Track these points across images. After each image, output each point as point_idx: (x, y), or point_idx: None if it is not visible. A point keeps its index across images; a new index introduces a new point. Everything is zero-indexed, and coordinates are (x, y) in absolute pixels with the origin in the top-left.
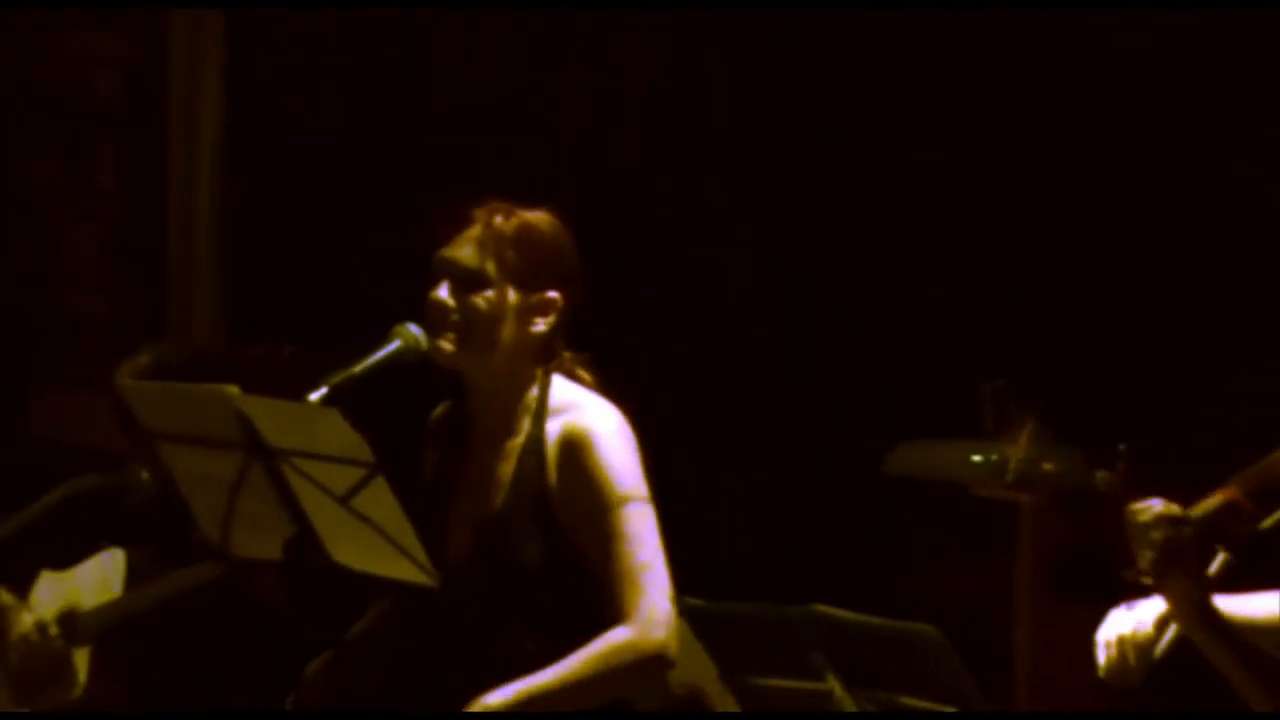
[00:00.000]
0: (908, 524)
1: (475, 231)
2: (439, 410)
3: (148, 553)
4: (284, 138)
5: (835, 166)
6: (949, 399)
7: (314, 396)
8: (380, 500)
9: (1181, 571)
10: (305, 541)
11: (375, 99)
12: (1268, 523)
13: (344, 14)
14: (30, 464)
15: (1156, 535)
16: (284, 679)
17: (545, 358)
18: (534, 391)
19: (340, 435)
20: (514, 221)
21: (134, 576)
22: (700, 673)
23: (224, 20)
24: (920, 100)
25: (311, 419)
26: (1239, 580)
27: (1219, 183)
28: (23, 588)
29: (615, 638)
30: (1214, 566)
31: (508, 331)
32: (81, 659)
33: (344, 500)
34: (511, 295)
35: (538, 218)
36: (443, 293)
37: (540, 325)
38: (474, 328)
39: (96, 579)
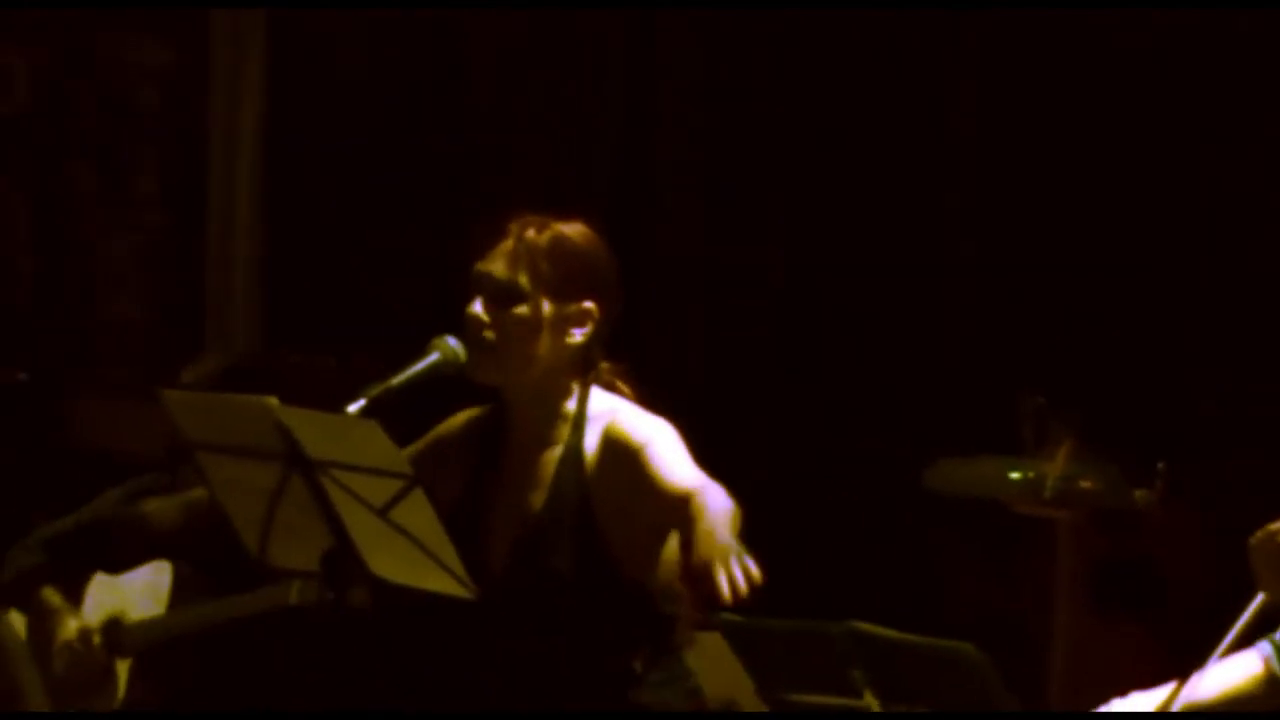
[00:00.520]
0: (946, 540)
1: (508, 245)
2: (466, 416)
3: (196, 565)
4: (324, 146)
5: (870, 173)
6: (988, 415)
7: (352, 408)
8: (418, 512)
9: None
10: (343, 553)
11: (414, 105)
12: None
13: (383, 21)
14: (68, 471)
15: None
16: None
17: (583, 368)
18: (572, 402)
19: (379, 447)
20: (547, 234)
21: (180, 590)
22: (737, 688)
23: (265, 28)
24: (953, 103)
25: (350, 430)
26: None
27: (1257, 189)
28: (77, 585)
29: None
30: None
31: (544, 344)
32: (123, 668)
33: (382, 512)
34: (546, 307)
35: (571, 229)
36: (478, 307)
37: (577, 336)
38: (510, 342)
39: (145, 590)
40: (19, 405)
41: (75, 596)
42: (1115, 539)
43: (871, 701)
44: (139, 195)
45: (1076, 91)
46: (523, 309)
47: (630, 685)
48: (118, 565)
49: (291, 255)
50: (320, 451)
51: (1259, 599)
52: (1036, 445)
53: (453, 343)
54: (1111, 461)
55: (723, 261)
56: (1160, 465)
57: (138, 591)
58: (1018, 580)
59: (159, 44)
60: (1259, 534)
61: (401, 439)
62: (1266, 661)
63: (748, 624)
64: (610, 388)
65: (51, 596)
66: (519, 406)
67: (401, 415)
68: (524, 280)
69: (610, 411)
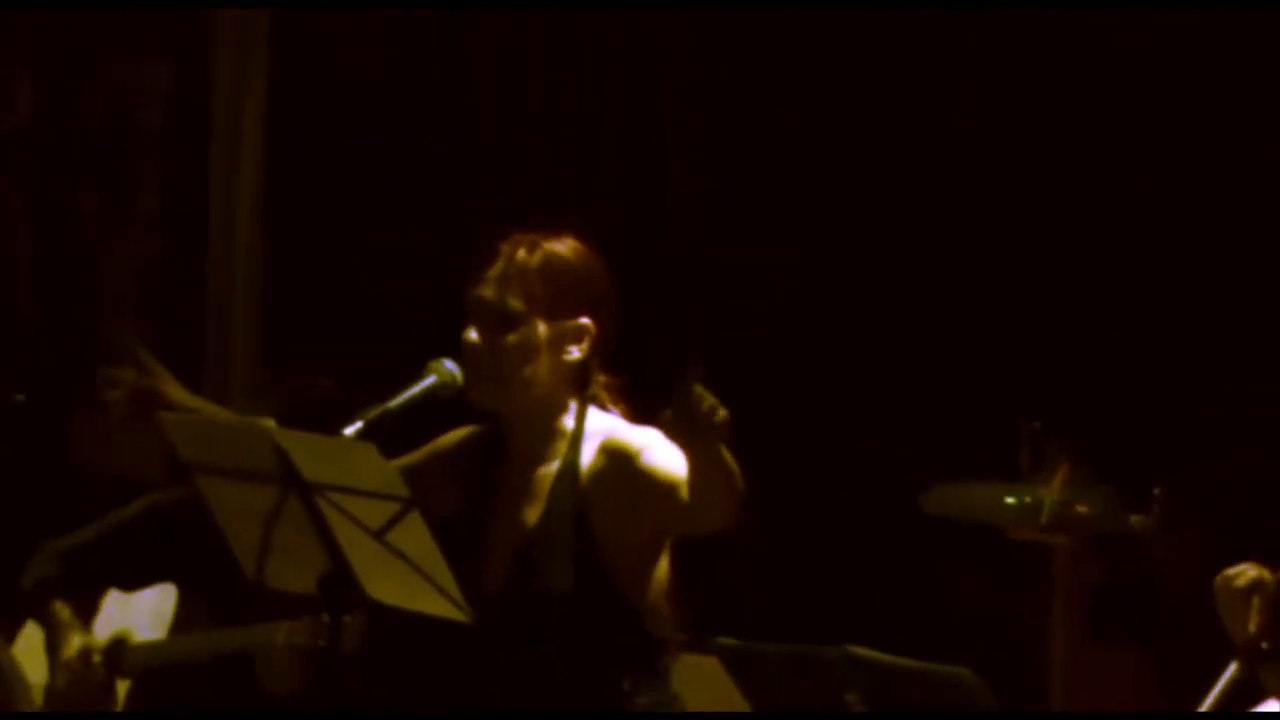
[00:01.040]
0: (943, 565)
1: (499, 268)
2: (462, 433)
3: (202, 591)
4: (325, 165)
5: (873, 174)
6: (985, 439)
7: (349, 431)
8: (415, 535)
9: None
10: (340, 575)
11: (417, 125)
12: None
13: (386, 44)
14: (68, 491)
15: (1259, 601)
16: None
17: (581, 385)
18: (570, 420)
19: (375, 469)
20: (538, 254)
21: (183, 615)
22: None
23: (267, 47)
24: (956, 104)
25: (347, 453)
26: None
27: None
28: (90, 600)
29: None
30: None
31: (542, 365)
32: (122, 687)
33: (379, 535)
34: (542, 328)
35: (563, 246)
36: (474, 335)
37: (574, 353)
38: (509, 367)
39: (150, 613)
40: (19, 425)
41: (86, 612)
42: (1112, 564)
43: None
44: (140, 214)
45: (1077, 92)
46: (519, 333)
47: (620, 704)
48: (133, 580)
49: (292, 274)
50: (317, 474)
51: (1231, 669)
52: (1033, 470)
53: (450, 366)
54: (1108, 486)
55: (725, 263)
56: (1157, 490)
57: (143, 614)
58: (1015, 605)
59: (161, 63)
60: (1219, 577)
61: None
62: None
63: (744, 648)
64: (602, 406)
65: (61, 611)
66: (517, 425)
67: (398, 438)
68: (517, 303)
69: (608, 429)
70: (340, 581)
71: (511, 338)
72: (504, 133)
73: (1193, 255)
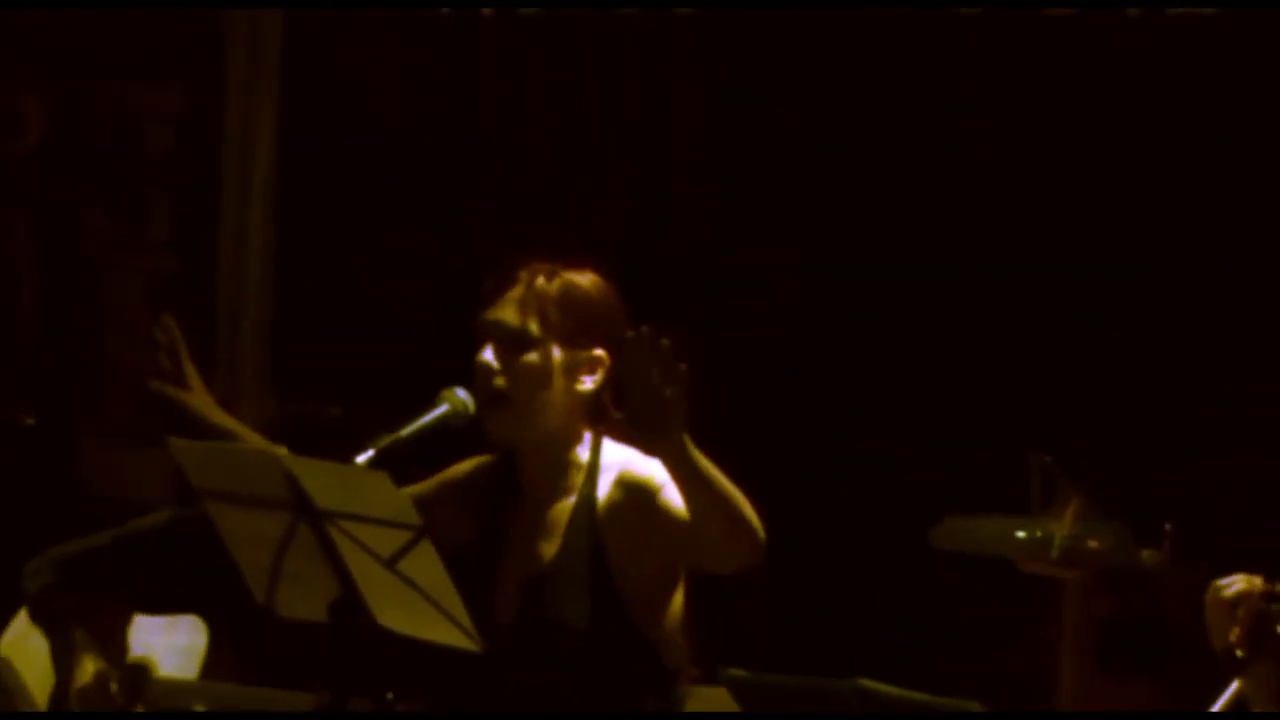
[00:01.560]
0: (952, 599)
1: (518, 292)
2: (476, 463)
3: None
4: (336, 193)
5: (882, 176)
6: (995, 473)
7: (361, 459)
8: (426, 564)
9: (1268, 648)
10: (350, 603)
11: (428, 156)
12: None
13: (397, 72)
14: (74, 515)
15: (1242, 612)
16: None
17: (595, 417)
18: (585, 452)
19: (387, 498)
20: (557, 281)
21: (214, 656)
22: None
23: (279, 75)
24: (965, 107)
25: (359, 481)
26: None
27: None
28: (110, 623)
29: None
30: None
31: (556, 391)
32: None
33: (390, 563)
34: (557, 354)
35: (582, 277)
36: (488, 355)
37: (588, 384)
38: (522, 389)
39: (177, 646)
40: (26, 448)
41: (107, 633)
42: (1122, 598)
43: None
44: (149, 239)
45: (1078, 92)
46: (533, 356)
47: None
48: (153, 601)
49: (301, 302)
50: (328, 501)
51: (1234, 687)
52: (1044, 505)
53: (462, 394)
54: (1119, 521)
55: (735, 264)
56: (1168, 525)
57: (168, 647)
58: (1024, 639)
59: (171, 84)
60: (1210, 586)
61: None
62: None
63: (754, 680)
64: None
65: (77, 635)
66: (532, 457)
67: (410, 467)
68: (534, 327)
69: (624, 461)
70: (351, 610)
71: (526, 360)
72: (509, 141)
73: (1193, 255)
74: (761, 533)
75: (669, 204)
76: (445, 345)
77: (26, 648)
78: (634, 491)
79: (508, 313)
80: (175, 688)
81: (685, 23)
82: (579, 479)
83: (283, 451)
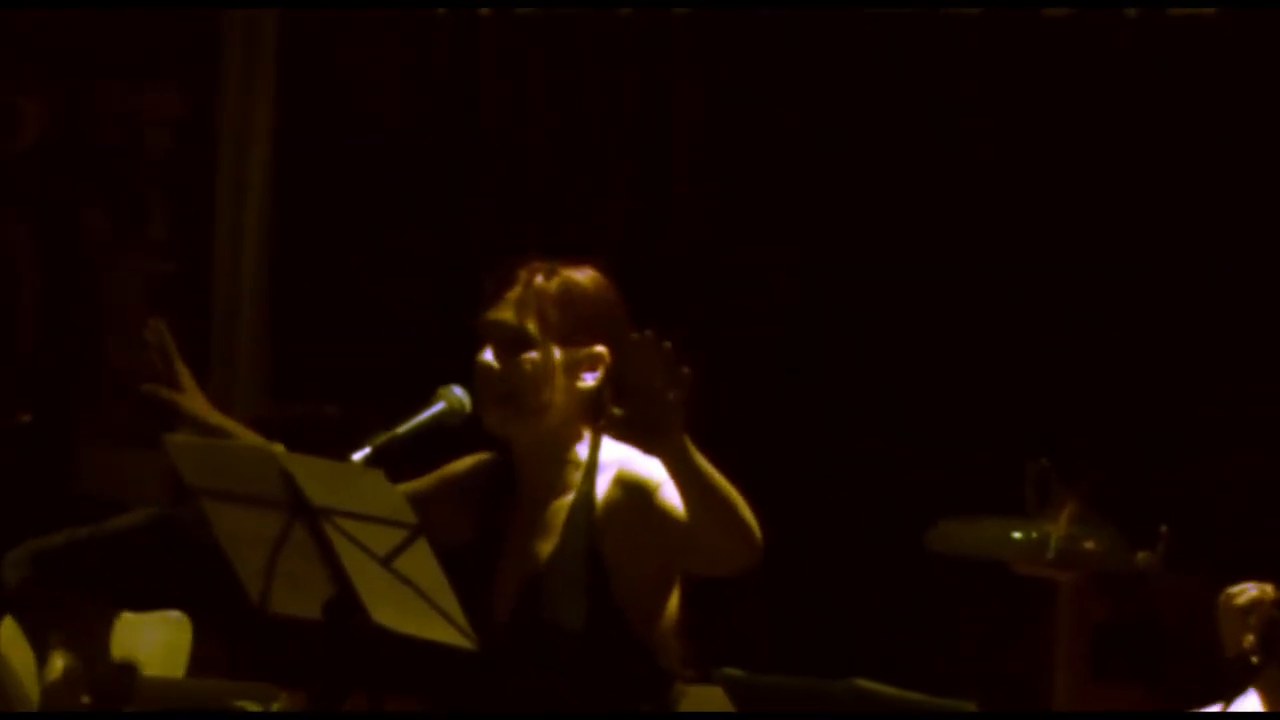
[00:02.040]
0: (947, 600)
1: (517, 292)
2: (474, 460)
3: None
4: (332, 194)
5: (883, 176)
6: (990, 475)
7: (357, 457)
8: (422, 562)
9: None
10: (345, 601)
11: (424, 157)
12: None
13: (394, 73)
14: (71, 515)
15: (1255, 619)
16: None
17: (595, 415)
18: (583, 450)
19: (383, 496)
20: (556, 280)
21: (198, 655)
22: None
23: (274, 74)
24: (966, 108)
25: (355, 479)
26: None
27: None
28: (89, 617)
29: None
30: None
31: (556, 390)
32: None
33: (386, 561)
34: (557, 354)
35: (581, 275)
36: (488, 356)
37: (588, 381)
38: (522, 389)
39: (161, 642)
40: (23, 448)
41: (82, 633)
42: (1117, 601)
43: None
44: (147, 240)
45: (1080, 92)
46: (533, 355)
47: None
48: (136, 598)
49: (297, 304)
50: (324, 499)
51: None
52: (1040, 507)
53: (458, 392)
54: (1114, 524)
55: (735, 264)
56: (1162, 529)
57: (153, 643)
58: (1019, 641)
59: (169, 86)
60: (1222, 594)
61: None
62: None
63: (750, 680)
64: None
65: (52, 635)
66: (530, 454)
67: (406, 464)
68: (533, 327)
69: (622, 459)
70: (346, 608)
71: (526, 359)
72: (508, 141)
73: (1193, 255)
74: (759, 537)
75: (669, 204)
76: (443, 345)
77: (19, 645)
78: (632, 490)
79: (507, 313)
80: (162, 686)
81: (684, 22)
82: (577, 477)
83: (279, 449)
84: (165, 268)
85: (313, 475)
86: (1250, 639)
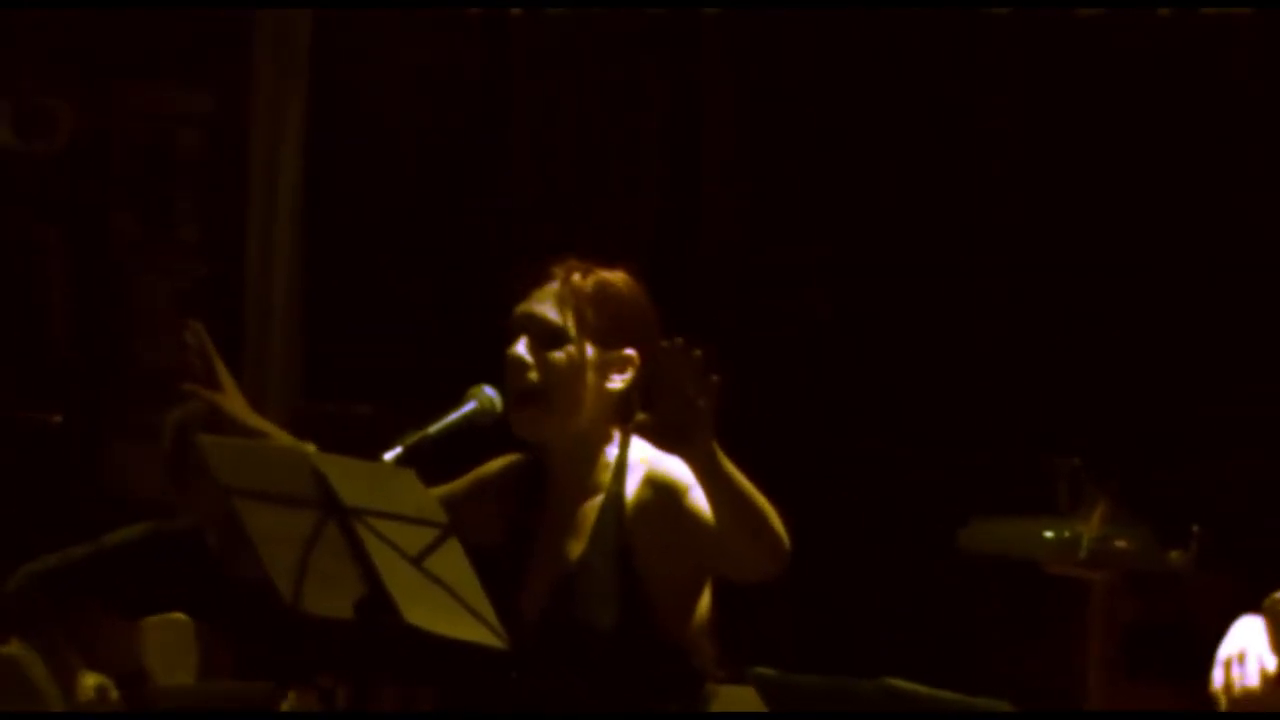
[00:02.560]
0: (979, 599)
1: (554, 288)
2: (505, 462)
3: (220, 625)
4: (364, 195)
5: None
6: (1021, 475)
7: (389, 456)
8: (453, 562)
9: None
10: (377, 601)
11: (454, 158)
12: None
13: (424, 75)
14: (101, 516)
15: None
16: None
17: (624, 417)
18: (613, 450)
19: (415, 496)
20: (592, 279)
21: (206, 657)
22: None
23: (306, 76)
24: (992, 113)
25: (386, 479)
26: None
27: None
28: (87, 613)
29: None
30: None
31: (586, 389)
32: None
33: (417, 561)
34: (590, 352)
35: (615, 276)
36: (521, 349)
37: (618, 382)
38: (555, 384)
39: (168, 645)
40: (53, 448)
41: (100, 646)
42: (1149, 601)
43: None
44: (178, 241)
45: (1087, 93)
46: (567, 352)
47: None
48: (133, 607)
49: (330, 302)
50: (356, 499)
51: None
52: (1071, 506)
53: (490, 392)
54: (1146, 523)
55: (765, 265)
56: (1195, 528)
57: (160, 648)
58: (1050, 640)
59: (200, 89)
60: (1268, 599)
61: (438, 487)
62: None
63: (781, 679)
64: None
65: (72, 658)
66: (560, 455)
67: (438, 464)
68: (569, 323)
69: (652, 459)
70: (377, 607)
71: (559, 355)
72: (539, 142)
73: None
74: (787, 545)
75: (699, 205)
76: (472, 344)
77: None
78: (662, 491)
79: (543, 307)
80: (173, 692)
81: (714, 22)
82: (607, 477)
83: (311, 449)
84: (196, 269)
85: (345, 475)
86: None
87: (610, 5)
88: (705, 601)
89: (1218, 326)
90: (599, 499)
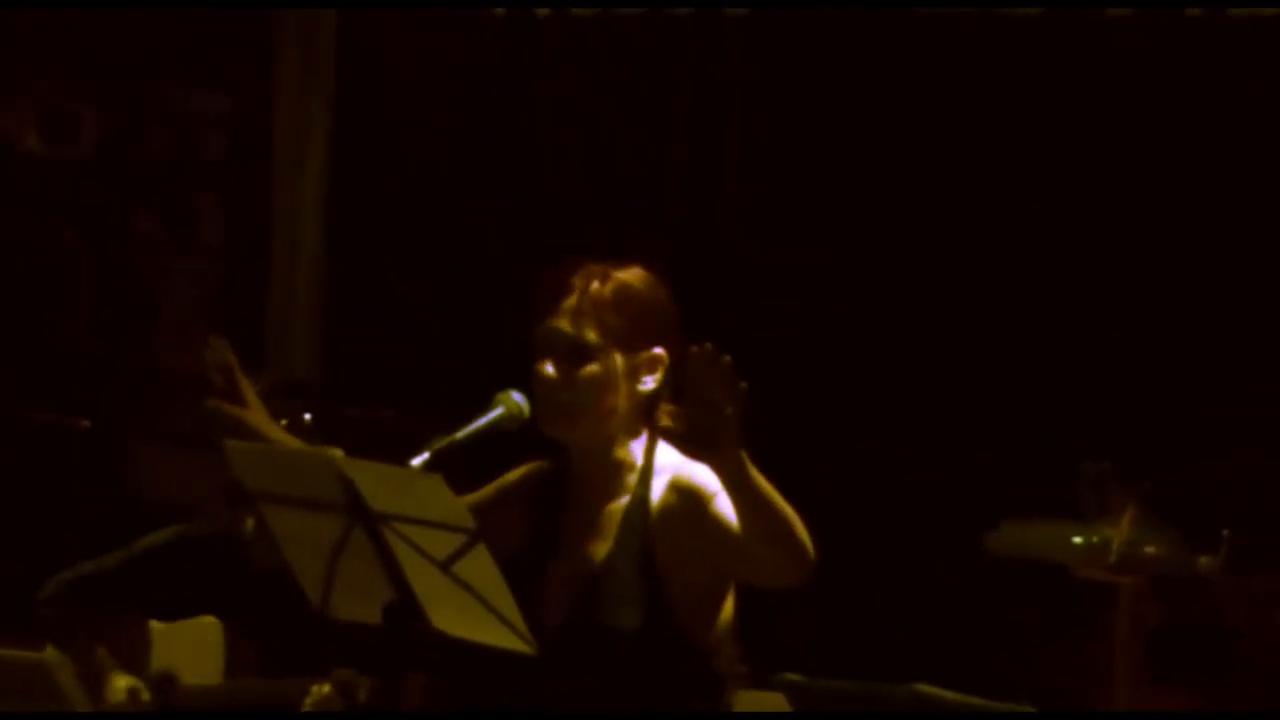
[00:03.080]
0: (1007, 604)
1: (573, 301)
2: (530, 468)
3: (246, 625)
4: (387, 198)
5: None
6: (1050, 479)
7: (416, 461)
8: (481, 567)
9: None
10: (405, 606)
11: (479, 159)
12: None
13: (447, 77)
14: (128, 519)
15: None
16: None
17: (652, 416)
18: (640, 452)
19: (442, 501)
20: (610, 284)
21: (233, 658)
22: None
23: (330, 80)
24: (1017, 118)
25: (414, 484)
26: None
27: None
28: (125, 632)
29: None
30: None
31: (619, 396)
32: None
33: (445, 566)
34: (619, 360)
35: (632, 276)
36: (549, 369)
37: (649, 383)
38: (587, 401)
39: (194, 646)
40: (80, 452)
41: (130, 652)
42: (1177, 606)
43: None
44: (202, 243)
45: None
46: (595, 365)
47: None
48: (168, 610)
49: (354, 305)
50: (383, 504)
51: None
52: (1100, 511)
53: (517, 397)
54: (1175, 528)
55: (787, 264)
56: (1225, 532)
57: (187, 649)
58: (1078, 645)
59: (223, 92)
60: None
61: (464, 493)
62: None
63: (810, 684)
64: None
65: (103, 658)
66: (587, 458)
67: (465, 469)
68: (593, 335)
69: (679, 464)
70: (405, 612)
71: (589, 370)
72: (564, 141)
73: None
74: (811, 554)
75: (721, 204)
76: (497, 345)
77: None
78: (687, 496)
79: (565, 323)
80: (200, 691)
81: (738, 23)
82: (632, 480)
83: (337, 454)
84: (220, 271)
85: (372, 480)
86: None
87: (635, 6)
88: (728, 605)
89: (1247, 326)
90: (624, 501)
